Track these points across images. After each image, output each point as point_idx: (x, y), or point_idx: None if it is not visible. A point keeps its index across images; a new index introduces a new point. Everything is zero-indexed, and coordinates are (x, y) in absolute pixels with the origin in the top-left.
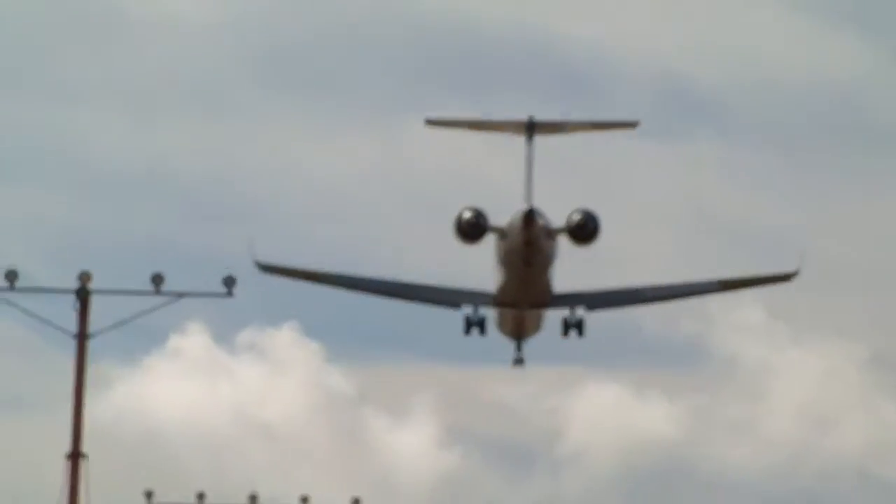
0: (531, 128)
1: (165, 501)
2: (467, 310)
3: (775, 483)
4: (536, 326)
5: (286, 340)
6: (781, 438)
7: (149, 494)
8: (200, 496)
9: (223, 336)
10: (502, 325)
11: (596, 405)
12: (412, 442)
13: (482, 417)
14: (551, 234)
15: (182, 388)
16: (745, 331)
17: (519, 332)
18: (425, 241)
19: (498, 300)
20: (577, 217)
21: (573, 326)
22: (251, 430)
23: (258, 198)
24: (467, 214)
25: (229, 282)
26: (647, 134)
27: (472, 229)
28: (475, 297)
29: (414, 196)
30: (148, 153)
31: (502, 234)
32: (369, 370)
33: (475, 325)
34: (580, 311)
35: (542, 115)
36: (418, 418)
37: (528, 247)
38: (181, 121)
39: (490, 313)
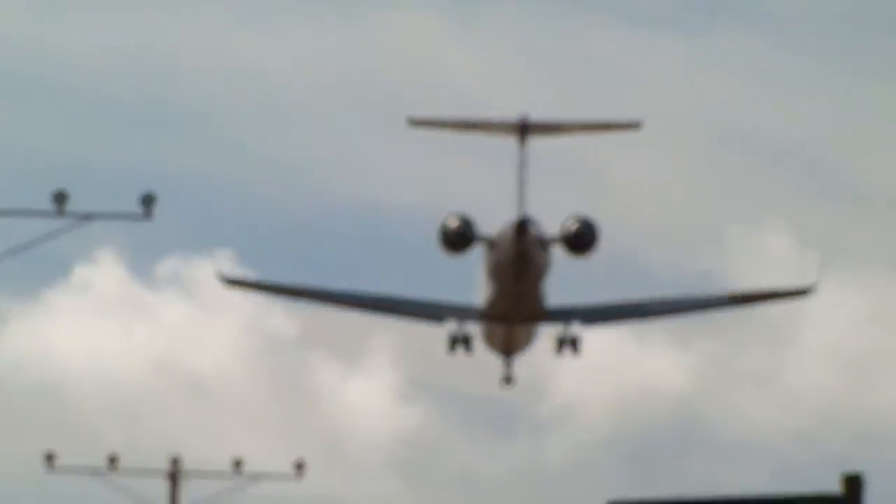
0: (524, 129)
1: (70, 465)
2: (452, 325)
3: (803, 446)
4: (527, 342)
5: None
6: (811, 394)
7: (49, 457)
8: (112, 460)
9: (140, 267)
10: (490, 341)
11: (589, 353)
12: (367, 396)
13: (450, 367)
14: (545, 244)
15: (90, 329)
16: (769, 262)
17: (508, 347)
18: (408, 254)
19: (486, 314)
20: (573, 226)
21: (567, 343)
22: (174, 381)
23: (184, 102)
24: (453, 223)
25: (147, 200)
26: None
27: (458, 239)
28: (461, 312)
29: (364, 94)
30: (49, 50)
31: (492, 244)
32: (317, 309)
33: (460, 341)
34: (575, 327)
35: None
36: (374, 368)
37: (521, 259)
38: (87, 9)
39: (476, 328)
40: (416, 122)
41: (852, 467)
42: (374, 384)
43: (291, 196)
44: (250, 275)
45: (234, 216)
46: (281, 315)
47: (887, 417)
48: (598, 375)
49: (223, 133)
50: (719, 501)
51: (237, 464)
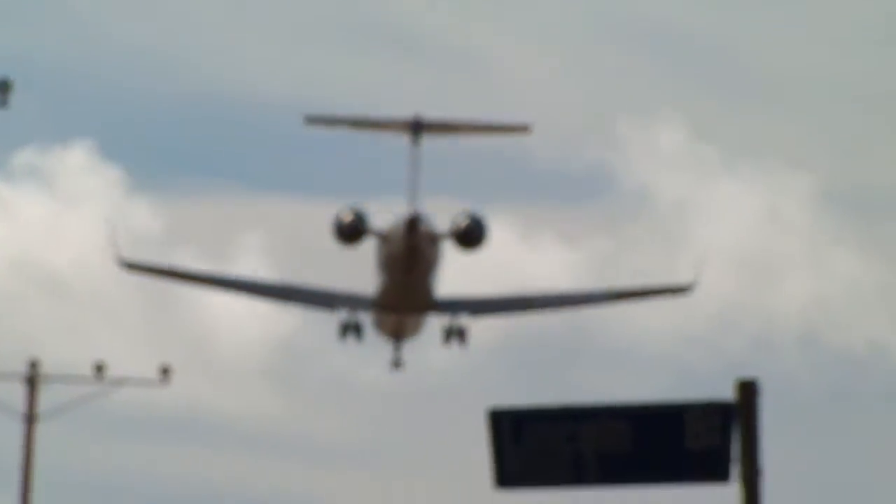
0: (417, 127)
1: None
2: (343, 314)
3: (696, 350)
4: (416, 329)
5: (77, 164)
6: (704, 294)
7: None
8: None
9: None
10: (381, 327)
11: (475, 256)
12: (236, 297)
13: (325, 266)
14: (435, 239)
15: None
16: (661, 156)
17: (398, 334)
18: (272, 144)
19: (377, 304)
20: (463, 222)
21: (455, 334)
22: (32, 279)
23: None
24: (347, 217)
25: (3, 87)
26: None
27: (351, 232)
28: (353, 301)
29: None
30: None
31: (384, 238)
32: (183, 203)
33: (351, 329)
34: (463, 319)
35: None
36: (245, 265)
37: (411, 254)
38: None
39: (367, 316)
40: (313, 120)
41: (749, 373)
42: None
43: (152, 85)
44: (111, 167)
45: (95, 105)
46: (146, 210)
47: (784, 321)
48: (485, 277)
49: (82, 19)
50: (605, 409)
51: (99, 368)
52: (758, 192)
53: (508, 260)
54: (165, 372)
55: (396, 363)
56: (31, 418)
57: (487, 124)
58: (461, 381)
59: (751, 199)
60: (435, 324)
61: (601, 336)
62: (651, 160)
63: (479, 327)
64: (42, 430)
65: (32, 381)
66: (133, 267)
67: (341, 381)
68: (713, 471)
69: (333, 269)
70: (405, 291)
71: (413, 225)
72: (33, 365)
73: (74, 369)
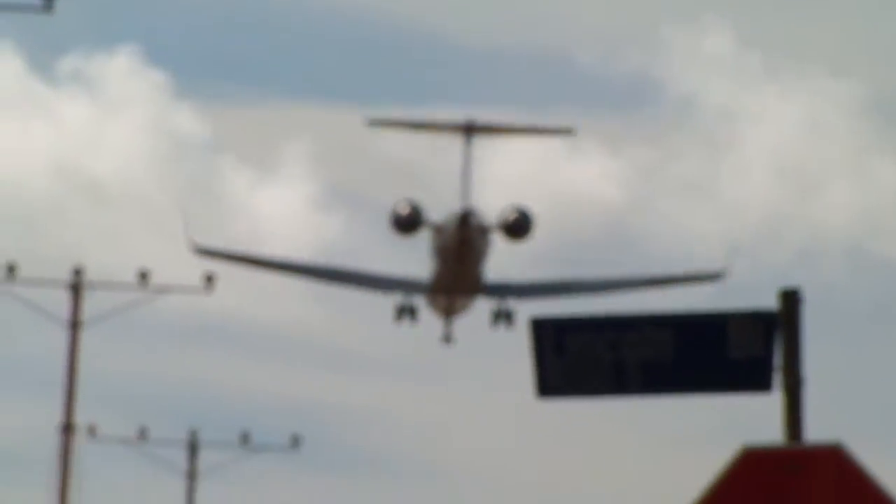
0: (469, 129)
1: None
2: (399, 297)
3: (739, 260)
4: (465, 307)
5: (122, 69)
6: (748, 204)
7: None
8: (10, 269)
9: (39, 63)
10: (434, 306)
11: (516, 161)
12: (281, 203)
13: (370, 174)
14: (485, 231)
15: None
16: (707, 63)
17: (448, 313)
18: (323, 55)
19: (431, 289)
20: (511, 215)
21: (503, 317)
22: (76, 185)
23: None
24: (404, 209)
25: None
26: None
27: (408, 224)
28: (409, 285)
29: None
30: None
31: (438, 230)
32: (229, 110)
33: (406, 312)
34: (510, 302)
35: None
36: (290, 173)
37: (463, 245)
38: None
39: (421, 299)
40: (375, 123)
41: (792, 282)
42: (289, 191)
43: None
44: (155, 72)
45: (140, 10)
46: (190, 115)
47: (829, 231)
48: (527, 185)
49: None
50: (647, 318)
51: (143, 275)
52: (802, 99)
53: (553, 168)
54: (209, 279)
55: (447, 338)
56: (75, 325)
57: (534, 126)
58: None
59: (795, 107)
60: (484, 307)
61: (643, 246)
62: (696, 67)
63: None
64: (86, 337)
65: (76, 288)
66: (206, 253)
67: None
68: (755, 380)
69: (374, 179)
70: (457, 278)
71: (466, 219)
72: (77, 272)
73: (119, 276)
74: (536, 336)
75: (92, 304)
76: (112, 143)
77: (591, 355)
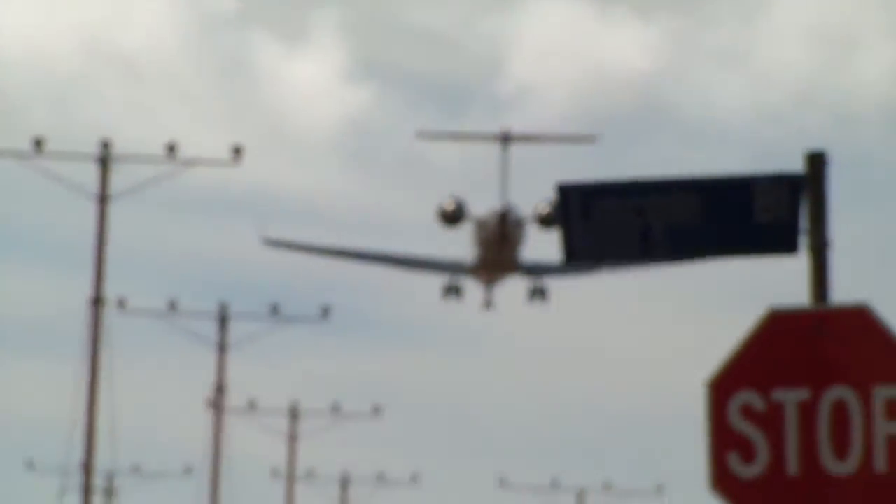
0: (506, 139)
1: None
2: (446, 277)
3: (773, 127)
4: (504, 278)
5: None
6: (782, 70)
7: None
8: (38, 143)
9: None
10: (477, 278)
11: (548, 29)
12: (311, 75)
13: (402, 44)
14: (521, 223)
15: (14, 5)
16: None
17: (489, 283)
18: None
19: (474, 270)
20: (545, 209)
21: (538, 293)
22: (105, 60)
23: None
24: (450, 206)
25: None
26: None
27: (452, 217)
28: (455, 267)
29: None
30: None
31: (480, 224)
32: None
33: (453, 291)
34: (544, 280)
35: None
36: (320, 44)
37: (502, 239)
38: None
39: (466, 279)
40: (423, 135)
41: (823, 146)
42: (317, 65)
43: None
44: None
45: None
46: None
47: (861, 96)
48: (558, 55)
49: None
50: (674, 182)
51: (171, 148)
52: None
53: (583, 33)
54: (237, 151)
55: (488, 304)
56: (103, 199)
57: (561, 135)
58: (531, 154)
59: None
60: (520, 285)
61: (671, 108)
62: None
63: (542, 96)
64: (115, 211)
65: (105, 161)
66: (274, 243)
67: (415, 159)
68: (782, 242)
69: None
70: (496, 261)
71: (504, 217)
72: (105, 145)
73: (147, 149)
74: (563, 202)
75: (120, 177)
76: (139, 18)
77: (617, 221)
